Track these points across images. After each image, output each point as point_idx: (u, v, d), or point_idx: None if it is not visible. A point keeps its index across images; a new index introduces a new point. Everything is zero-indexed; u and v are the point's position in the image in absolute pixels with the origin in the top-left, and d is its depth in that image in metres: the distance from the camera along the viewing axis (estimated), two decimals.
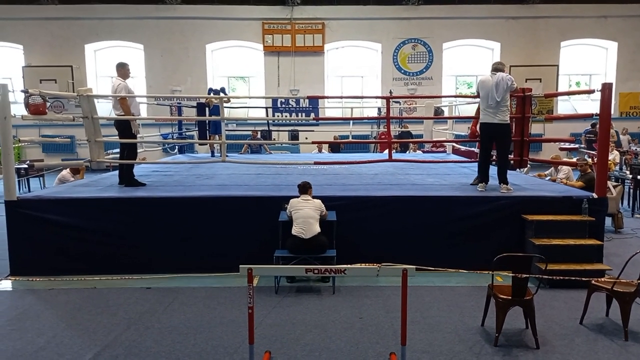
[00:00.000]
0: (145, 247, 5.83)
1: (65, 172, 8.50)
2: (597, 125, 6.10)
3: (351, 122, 15.81)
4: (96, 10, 16.92)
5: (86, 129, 6.66)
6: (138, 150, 7.47)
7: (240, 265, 3.28)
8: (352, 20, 17.35)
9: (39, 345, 4.03)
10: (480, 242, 5.80)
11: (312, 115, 16.87)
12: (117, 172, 7.26)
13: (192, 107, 11.49)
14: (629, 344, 4.02)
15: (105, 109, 12.58)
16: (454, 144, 11.07)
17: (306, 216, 5.32)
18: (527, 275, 3.95)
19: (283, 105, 17.56)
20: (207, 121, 10.26)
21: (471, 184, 6.69)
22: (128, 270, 5.62)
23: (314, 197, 5.60)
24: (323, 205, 5.52)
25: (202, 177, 7.58)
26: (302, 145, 14.75)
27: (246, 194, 6.09)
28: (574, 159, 8.91)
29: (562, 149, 10.11)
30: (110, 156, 7.83)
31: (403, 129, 13.94)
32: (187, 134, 12.29)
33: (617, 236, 7.55)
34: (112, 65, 7.01)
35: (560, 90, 17.19)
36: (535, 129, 9.29)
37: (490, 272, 4.15)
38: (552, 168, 8.59)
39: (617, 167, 11.65)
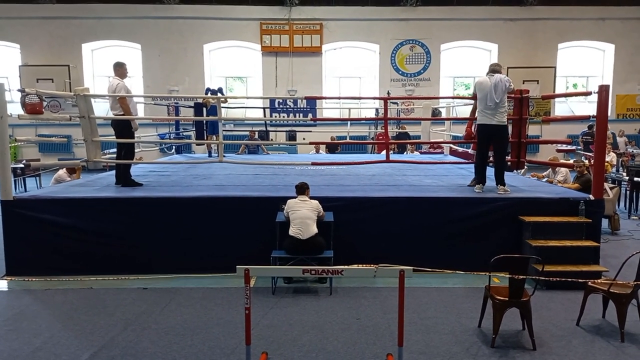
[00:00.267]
0: (142, 248, 5.82)
1: (62, 172, 8.48)
2: (594, 127, 6.11)
3: (349, 123, 15.80)
4: (94, 9, 16.87)
5: (83, 128, 6.65)
6: (135, 150, 7.45)
7: (237, 266, 3.27)
8: (350, 21, 17.35)
9: (35, 346, 4.02)
10: (477, 244, 5.81)
11: (310, 115, 16.83)
12: (113, 172, 7.25)
13: (190, 107, 11.48)
14: (625, 346, 4.04)
15: (102, 109, 12.55)
16: (451, 145, 11.08)
17: (303, 217, 5.32)
18: (524, 277, 3.96)
19: (281, 106, 17.55)
20: (204, 121, 10.25)
21: (468, 185, 6.70)
22: (125, 271, 5.61)
23: (311, 198, 5.59)
24: (320, 206, 5.51)
25: (200, 178, 7.56)
26: (299, 145, 14.74)
27: (243, 195, 6.08)
28: (571, 161, 8.93)
29: (559, 151, 10.13)
30: (107, 156, 7.81)
31: (401, 130, 13.95)
32: (184, 134, 12.28)
33: (613, 238, 7.57)
34: (109, 65, 6.99)
35: (557, 92, 17.22)
36: (532, 130, 9.31)
37: (488, 274, 4.16)
38: (550, 169, 8.61)
39: (614, 169, 11.68)
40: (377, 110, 15.67)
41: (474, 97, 6.47)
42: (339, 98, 17.49)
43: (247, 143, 12.58)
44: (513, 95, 6.95)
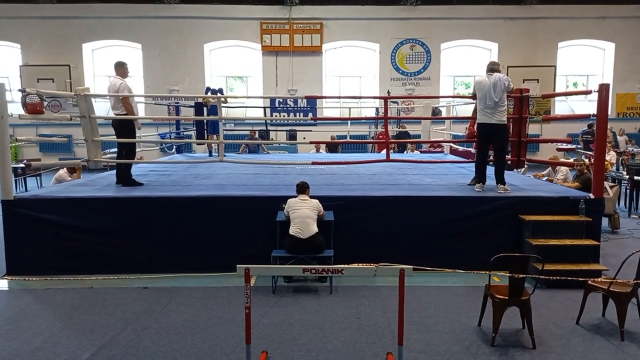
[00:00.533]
0: (142, 247, 5.82)
1: (63, 172, 8.49)
2: (594, 126, 6.11)
3: (349, 122, 15.81)
4: (94, 9, 16.88)
5: (83, 128, 6.65)
6: (136, 150, 7.45)
7: (238, 265, 3.28)
8: (350, 21, 17.35)
9: (35, 345, 4.03)
10: (477, 242, 5.81)
11: (310, 115, 16.85)
12: (114, 171, 7.25)
13: (190, 106, 11.49)
14: (625, 344, 4.04)
15: (102, 109, 12.57)
16: (451, 144, 11.08)
17: (304, 216, 5.32)
18: (524, 276, 3.96)
19: (281, 105, 17.56)
20: (205, 121, 10.25)
21: (468, 184, 6.70)
22: (125, 270, 5.61)
23: (311, 197, 5.60)
24: (321, 205, 5.52)
25: (200, 177, 7.57)
26: (300, 145, 14.73)
27: (244, 194, 6.09)
28: (571, 160, 8.92)
29: (559, 150, 10.13)
30: (108, 156, 7.81)
31: (401, 129, 13.95)
32: (184, 133, 12.27)
33: (613, 236, 7.57)
34: (109, 65, 6.98)
35: (557, 91, 17.21)
36: (532, 129, 9.27)
37: (488, 272, 4.16)
38: (550, 168, 8.61)
39: (614, 168, 11.68)
40: (377, 109, 15.67)
41: (474, 96, 6.47)
42: (339, 97, 17.50)
43: (248, 142, 12.58)
44: (513, 95, 6.95)
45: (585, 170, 7.71)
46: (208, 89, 10.74)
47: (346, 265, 3.51)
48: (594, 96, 5.81)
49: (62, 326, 4.40)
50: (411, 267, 3.23)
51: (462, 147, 10.60)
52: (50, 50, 17.18)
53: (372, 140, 15.85)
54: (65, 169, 8.55)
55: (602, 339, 4.13)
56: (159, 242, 5.84)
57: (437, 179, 7.34)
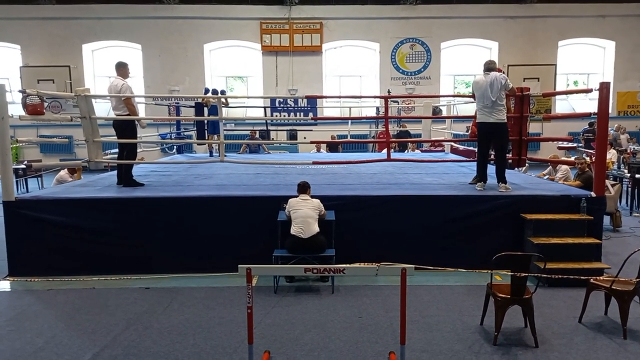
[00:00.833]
0: (143, 248, 5.82)
1: (64, 173, 8.49)
2: (595, 125, 6.11)
3: (349, 121, 15.77)
4: (94, 10, 16.88)
5: (84, 129, 6.65)
6: (137, 150, 7.45)
7: (239, 265, 3.28)
8: (350, 20, 17.34)
9: (37, 346, 4.03)
10: (478, 241, 5.81)
11: (311, 115, 16.85)
12: (115, 172, 7.25)
13: (191, 107, 11.48)
14: (628, 343, 4.03)
15: (102, 109, 12.56)
16: (452, 143, 11.08)
17: (305, 216, 5.32)
18: (526, 274, 3.96)
19: (281, 105, 17.55)
20: (205, 121, 10.25)
21: (470, 183, 6.70)
22: (127, 271, 5.62)
23: (312, 197, 5.59)
24: (322, 205, 5.52)
25: (201, 177, 7.57)
26: (300, 145, 14.73)
27: (245, 194, 6.09)
28: (572, 158, 8.92)
29: (560, 148, 10.13)
30: (109, 156, 7.81)
31: (401, 129, 13.95)
32: (185, 134, 12.27)
33: (615, 235, 7.56)
34: (110, 65, 6.97)
35: (558, 89, 17.21)
36: (533, 128, 9.31)
37: (489, 271, 4.16)
38: (550, 167, 8.61)
39: (615, 166, 11.66)
40: (377, 109, 15.67)
41: (474, 95, 6.47)
42: (340, 97, 17.50)
43: (248, 142, 12.59)
44: (509, 94, 6.94)
45: (587, 169, 7.71)
46: (207, 90, 10.74)
47: (348, 265, 3.52)
48: (595, 95, 5.80)
49: (64, 327, 4.40)
50: (413, 266, 3.23)
51: (463, 146, 10.60)
52: (50, 51, 17.18)
53: (372, 139, 15.84)
54: (66, 169, 8.55)
55: (604, 338, 4.13)
56: (160, 242, 5.84)
57: (438, 178, 7.33)
